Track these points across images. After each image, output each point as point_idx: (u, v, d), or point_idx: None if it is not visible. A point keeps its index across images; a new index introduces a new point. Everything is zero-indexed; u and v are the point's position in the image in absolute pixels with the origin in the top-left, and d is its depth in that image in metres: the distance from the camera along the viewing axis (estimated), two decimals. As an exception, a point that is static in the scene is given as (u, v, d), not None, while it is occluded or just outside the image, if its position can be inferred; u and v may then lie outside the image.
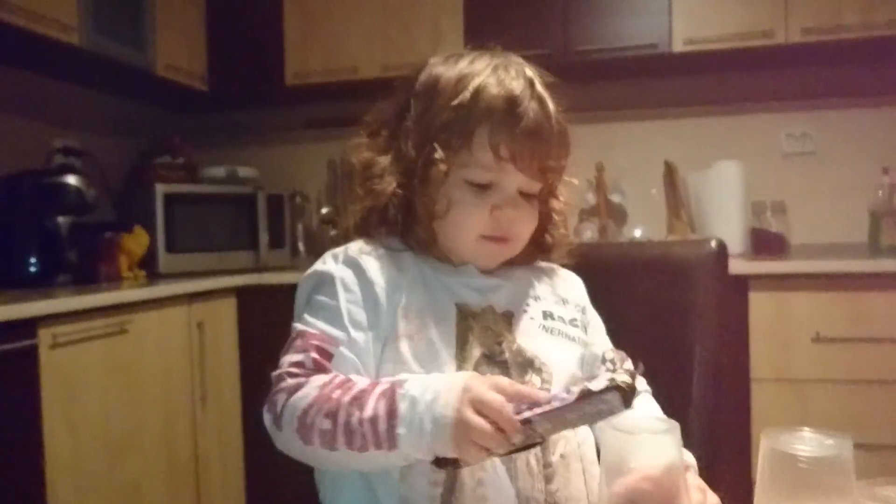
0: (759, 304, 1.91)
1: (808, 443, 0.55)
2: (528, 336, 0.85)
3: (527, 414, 0.65)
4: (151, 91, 2.68)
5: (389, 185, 0.86)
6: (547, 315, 0.88)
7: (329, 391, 0.74)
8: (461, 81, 0.83)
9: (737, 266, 1.96)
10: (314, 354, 0.79)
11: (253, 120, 2.98)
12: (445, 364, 0.80)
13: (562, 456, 0.80)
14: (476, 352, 0.82)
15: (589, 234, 2.50)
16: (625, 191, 2.55)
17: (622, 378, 0.62)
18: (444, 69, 0.86)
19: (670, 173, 2.53)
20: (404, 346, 0.80)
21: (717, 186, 2.39)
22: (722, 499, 0.73)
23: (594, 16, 2.38)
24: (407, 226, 0.88)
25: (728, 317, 1.11)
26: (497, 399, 0.67)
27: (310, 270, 0.87)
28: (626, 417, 0.63)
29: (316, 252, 1.66)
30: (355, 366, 0.80)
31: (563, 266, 0.98)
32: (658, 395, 1.02)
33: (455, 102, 0.82)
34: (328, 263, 0.86)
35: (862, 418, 1.84)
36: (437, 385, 0.71)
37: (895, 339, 1.82)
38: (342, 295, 0.82)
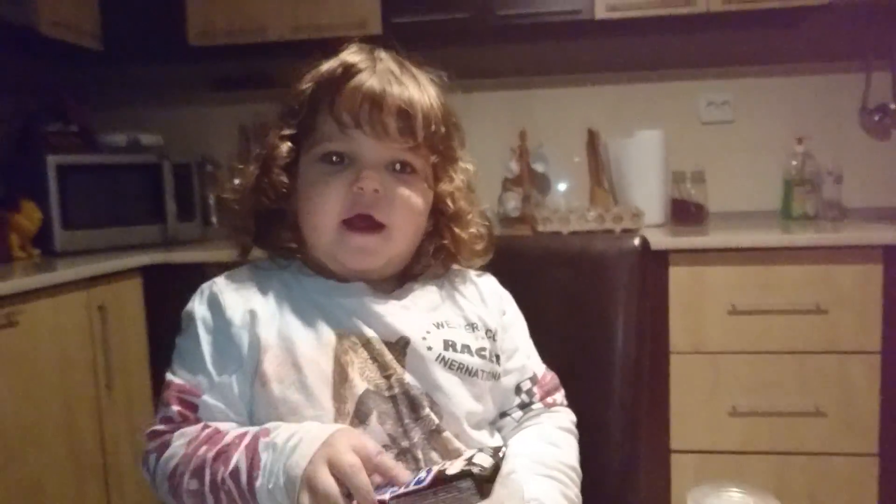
0: (678, 278, 1.93)
1: (733, 505, 0.52)
2: (422, 370, 0.76)
3: (386, 495, 0.61)
4: (37, 49, 2.42)
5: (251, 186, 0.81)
6: (449, 345, 0.77)
7: (195, 448, 0.70)
8: (309, 72, 0.81)
9: (657, 241, 1.96)
10: (177, 407, 0.74)
11: (154, 79, 2.76)
12: (322, 406, 0.72)
13: None
14: (358, 389, 0.73)
15: (513, 203, 2.45)
16: (547, 158, 2.50)
17: (480, 462, 0.57)
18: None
19: (592, 141, 2.50)
20: (275, 389, 0.72)
21: (638, 155, 2.38)
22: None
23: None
24: (271, 232, 0.82)
25: (647, 312, 1.08)
26: (353, 463, 0.62)
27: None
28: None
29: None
30: (223, 413, 0.74)
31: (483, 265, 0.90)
32: (578, 393, 0.99)
33: (299, 89, 0.80)
34: (194, 301, 0.80)
35: (771, 388, 1.90)
36: (302, 433, 0.66)
37: (802, 310, 1.87)
38: (203, 337, 0.76)
